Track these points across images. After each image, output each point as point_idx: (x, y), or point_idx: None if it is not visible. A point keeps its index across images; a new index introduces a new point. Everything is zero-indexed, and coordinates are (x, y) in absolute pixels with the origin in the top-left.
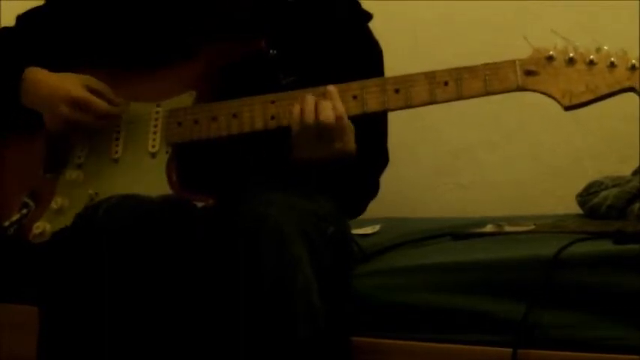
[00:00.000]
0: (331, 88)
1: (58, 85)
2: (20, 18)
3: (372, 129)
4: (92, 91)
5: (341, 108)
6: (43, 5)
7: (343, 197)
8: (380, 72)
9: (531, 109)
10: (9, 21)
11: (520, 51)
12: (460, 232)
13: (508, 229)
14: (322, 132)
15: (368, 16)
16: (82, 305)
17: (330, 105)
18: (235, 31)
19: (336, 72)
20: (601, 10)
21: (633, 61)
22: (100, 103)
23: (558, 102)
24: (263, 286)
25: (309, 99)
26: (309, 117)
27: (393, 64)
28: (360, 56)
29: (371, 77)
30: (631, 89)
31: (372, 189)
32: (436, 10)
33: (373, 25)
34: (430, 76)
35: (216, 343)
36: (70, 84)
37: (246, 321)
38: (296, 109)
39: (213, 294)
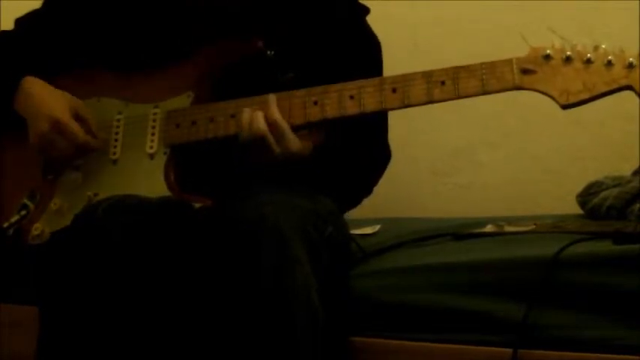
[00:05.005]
0: (269, 96)
1: (46, 102)
2: (19, 21)
3: (371, 124)
4: (77, 117)
5: (275, 114)
6: (42, 8)
7: (341, 191)
8: (379, 65)
9: (531, 109)
10: (9, 20)
11: (520, 52)
12: (460, 232)
13: (508, 229)
14: (258, 141)
15: (365, 10)
16: (82, 305)
17: (261, 115)
18: (232, 31)
19: (335, 67)
20: (601, 10)
21: (631, 59)
22: (78, 132)
23: (556, 101)
24: (262, 286)
25: (245, 112)
26: (245, 130)
27: (393, 66)
28: (359, 50)
29: (369, 71)
30: (628, 87)
31: (361, 184)
32: (436, 11)
33: (373, 27)
34: (427, 76)
35: (215, 343)
36: (57, 104)
37: (245, 320)
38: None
39: (213, 293)
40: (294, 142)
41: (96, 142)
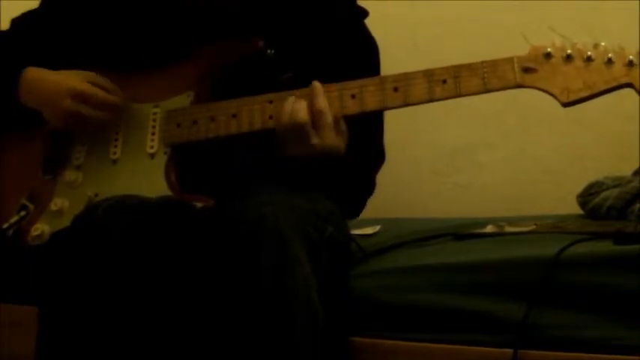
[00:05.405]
0: (316, 84)
1: (62, 80)
2: (15, 21)
3: (367, 126)
4: (95, 85)
5: (322, 103)
6: (38, 7)
7: (341, 196)
8: (376, 68)
9: (531, 109)
10: (9, 20)
11: (520, 52)
12: (461, 232)
13: (509, 229)
14: (296, 130)
15: (364, 13)
16: (81, 305)
17: (304, 105)
18: (232, 30)
19: (333, 68)
20: (601, 10)
21: (631, 57)
22: (100, 93)
23: (556, 99)
24: (262, 286)
25: (288, 101)
26: (284, 117)
27: (393, 66)
28: (357, 52)
29: (367, 73)
30: (629, 85)
31: (368, 187)
32: (436, 11)
33: (372, 27)
34: (428, 74)
35: (215, 343)
36: (74, 79)
37: (245, 320)
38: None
39: (213, 293)
40: (331, 136)
41: (121, 99)
